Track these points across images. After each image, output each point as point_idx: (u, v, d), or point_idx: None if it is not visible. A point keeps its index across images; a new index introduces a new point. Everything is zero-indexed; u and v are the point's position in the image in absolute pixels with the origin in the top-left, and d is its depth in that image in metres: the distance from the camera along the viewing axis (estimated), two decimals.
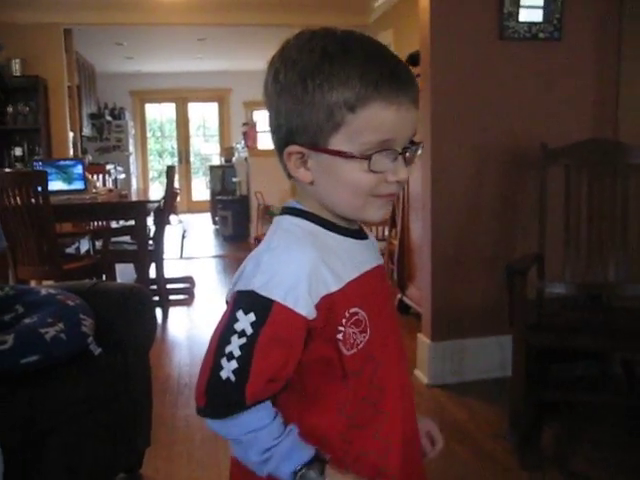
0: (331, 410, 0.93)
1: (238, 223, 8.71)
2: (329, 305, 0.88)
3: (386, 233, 4.98)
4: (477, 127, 3.14)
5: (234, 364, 0.85)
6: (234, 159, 10.00)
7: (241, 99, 12.48)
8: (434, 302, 3.20)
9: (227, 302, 0.92)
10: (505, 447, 2.55)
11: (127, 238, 5.58)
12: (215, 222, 9.89)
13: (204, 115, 13.29)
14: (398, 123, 0.87)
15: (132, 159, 11.43)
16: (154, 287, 4.87)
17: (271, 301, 0.85)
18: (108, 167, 8.21)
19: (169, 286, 5.22)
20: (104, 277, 4.45)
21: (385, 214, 0.96)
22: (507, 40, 3.14)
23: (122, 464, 2.28)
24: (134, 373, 2.21)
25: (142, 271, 4.72)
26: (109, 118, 11.05)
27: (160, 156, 13.37)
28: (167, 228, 5.21)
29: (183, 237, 6.57)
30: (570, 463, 2.47)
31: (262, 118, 12.15)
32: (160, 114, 13.22)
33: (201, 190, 12.57)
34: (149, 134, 13.11)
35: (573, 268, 2.81)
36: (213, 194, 10.28)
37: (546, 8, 3.16)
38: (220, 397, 0.87)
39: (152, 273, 4.97)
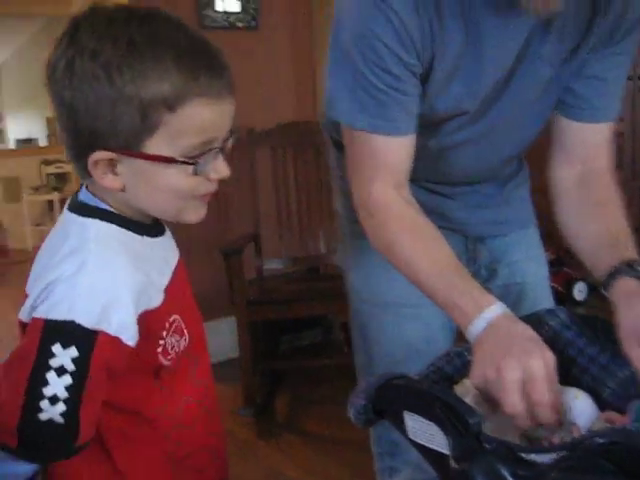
0: (147, 415, 0.86)
1: None
2: (150, 321, 0.81)
3: None
4: None
5: (61, 407, 0.73)
6: None
7: None
8: None
9: (22, 325, 0.79)
10: (242, 421, 2.64)
11: None
12: None
13: None
14: (221, 119, 0.81)
15: None
16: None
17: (96, 332, 0.75)
18: None
19: None
20: None
21: (203, 213, 0.90)
22: (206, 29, 3.20)
23: None
24: None
25: None
26: None
27: None
28: None
29: None
30: (302, 424, 2.64)
31: None
32: None
33: None
34: None
35: (288, 243, 2.99)
36: None
37: None
38: (42, 440, 0.75)
39: None
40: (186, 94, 0.75)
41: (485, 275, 1.30)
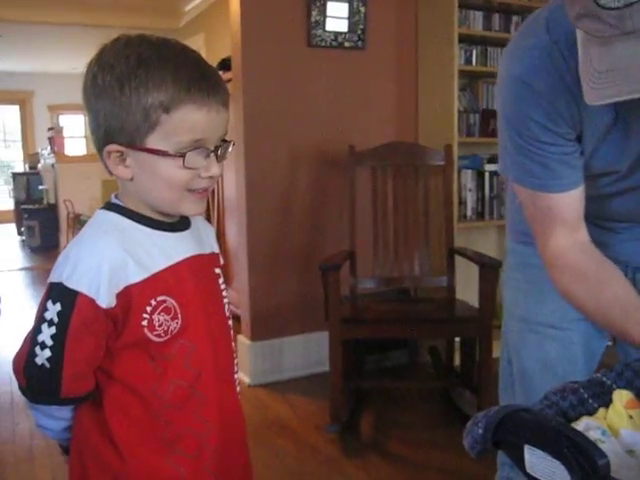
0: (141, 391, 0.99)
1: (46, 233, 8.23)
2: (131, 294, 0.95)
3: None
4: (288, 130, 3.24)
5: (47, 352, 0.92)
6: (40, 166, 9.43)
7: (45, 102, 11.81)
8: (252, 302, 3.25)
9: None
10: (327, 438, 2.65)
11: None
12: (21, 233, 9.27)
13: (4, 119, 12.40)
14: (209, 124, 0.95)
15: None
16: None
17: (76, 292, 0.92)
18: None
19: None
20: None
21: (200, 209, 1.03)
22: (315, 47, 3.27)
23: None
24: None
25: None
26: None
27: None
28: None
29: None
30: (387, 446, 2.62)
31: (69, 123, 11.59)
32: None
33: (3, 199, 11.73)
34: None
35: (382, 264, 2.99)
36: (17, 203, 9.62)
37: (350, 19, 3.33)
38: (37, 382, 0.95)
39: None
40: (179, 100, 0.92)
41: None
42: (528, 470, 0.87)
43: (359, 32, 3.37)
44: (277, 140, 3.22)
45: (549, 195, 1.11)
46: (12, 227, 9.96)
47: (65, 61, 9.79)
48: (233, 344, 1.14)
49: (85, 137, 12.09)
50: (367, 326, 2.67)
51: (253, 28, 3.14)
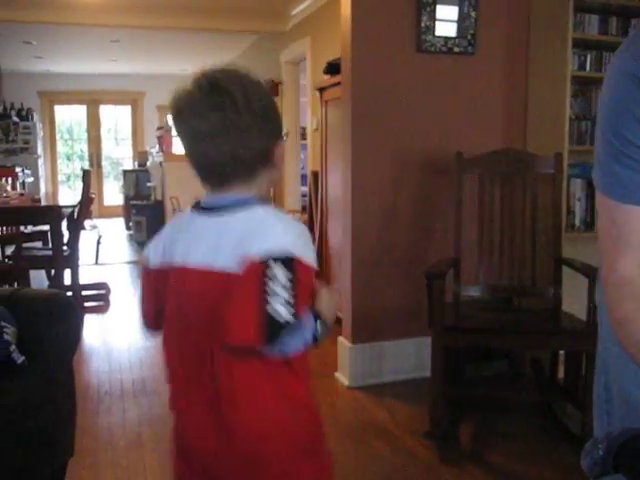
0: None
1: (153, 228, 8.52)
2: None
3: None
4: (396, 135, 3.25)
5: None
6: (148, 163, 9.82)
7: (155, 103, 12.28)
8: (354, 305, 3.28)
9: None
10: (425, 444, 2.65)
11: (37, 244, 5.43)
12: (129, 227, 9.68)
13: (116, 118, 12.99)
14: None
15: (40, 162, 11.03)
16: (69, 294, 4.74)
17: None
18: (16, 170, 7.92)
19: (84, 293, 5.10)
20: (16, 284, 4.31)
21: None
22: (424, 52, 3.27)
23: (45, 474, 2.23)
24: (58, 381, 2.18)
25: (57, 278, 4.60)
26: (16, 119, 10.62)
27: (69, 159, 12.93)
28: (81, 234, 5.08)
29: (98, 243, 6.38)
30: (486, 456, 2.60)
31: None
32: (70, 116, 12.80)
33: (113, 195, 12.28)
34: (57, 136, 12.68)
35: (487, 272, 2.96)
36: (127, 199, 10.06)
37: (460, 24, 3.31)
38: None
39: (66, 279, 4.84)
40: None
41: None
42: None
43: (469, 37, 3.34)
44: (384, 144, 3.24)
45: (633, 208, 1.01)
46: (121, 221, 10.42)
47: (175, 63, 10.15)
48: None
49: None
50: (470, 335, 2.65)
51: (363, 33, 3.17)
